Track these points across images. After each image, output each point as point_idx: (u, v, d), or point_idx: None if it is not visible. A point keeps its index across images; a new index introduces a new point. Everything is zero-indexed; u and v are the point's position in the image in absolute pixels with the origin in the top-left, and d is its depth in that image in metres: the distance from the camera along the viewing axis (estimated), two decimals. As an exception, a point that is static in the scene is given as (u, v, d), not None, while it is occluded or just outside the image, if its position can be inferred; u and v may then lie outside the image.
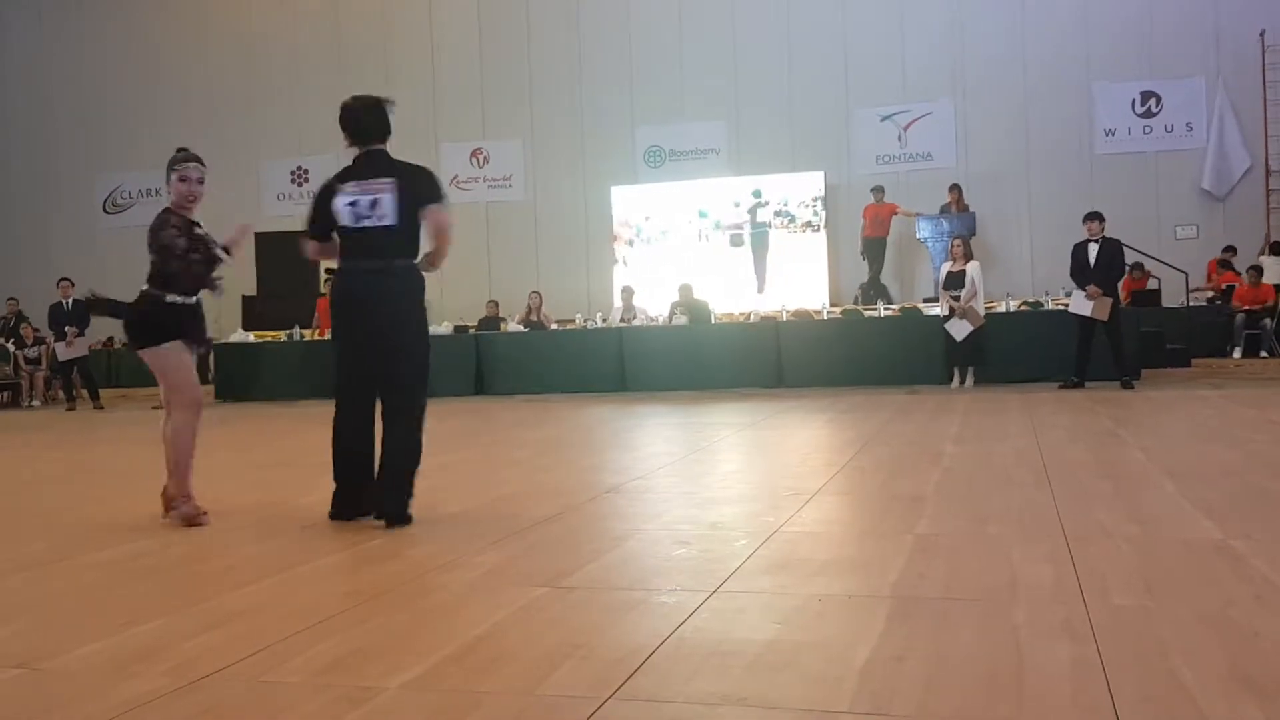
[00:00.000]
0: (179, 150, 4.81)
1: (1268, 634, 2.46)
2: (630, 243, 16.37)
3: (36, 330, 15.30)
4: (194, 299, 4.64)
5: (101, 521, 4.64)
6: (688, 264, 15.49)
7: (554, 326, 13.81)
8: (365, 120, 4.29)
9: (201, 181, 4.68)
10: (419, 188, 4.24)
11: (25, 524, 4.60)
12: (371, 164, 4.25)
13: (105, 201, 19.00)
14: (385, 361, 4.25)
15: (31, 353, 14.89)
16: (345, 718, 2.13)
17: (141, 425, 10.86)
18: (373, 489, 4.30)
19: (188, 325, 4.64)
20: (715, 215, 16.00)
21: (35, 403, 14.62)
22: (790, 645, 2.51)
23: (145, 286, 4.59)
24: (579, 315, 14.23)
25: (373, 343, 4.23)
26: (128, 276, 18.82)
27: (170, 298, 4.54)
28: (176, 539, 4.17)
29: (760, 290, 15.32)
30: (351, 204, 4.15)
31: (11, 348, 14.95)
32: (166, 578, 3.55)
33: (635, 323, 13.40)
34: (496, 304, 15.06)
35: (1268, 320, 13.23)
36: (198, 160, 4.71)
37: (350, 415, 4.34)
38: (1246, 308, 13.27)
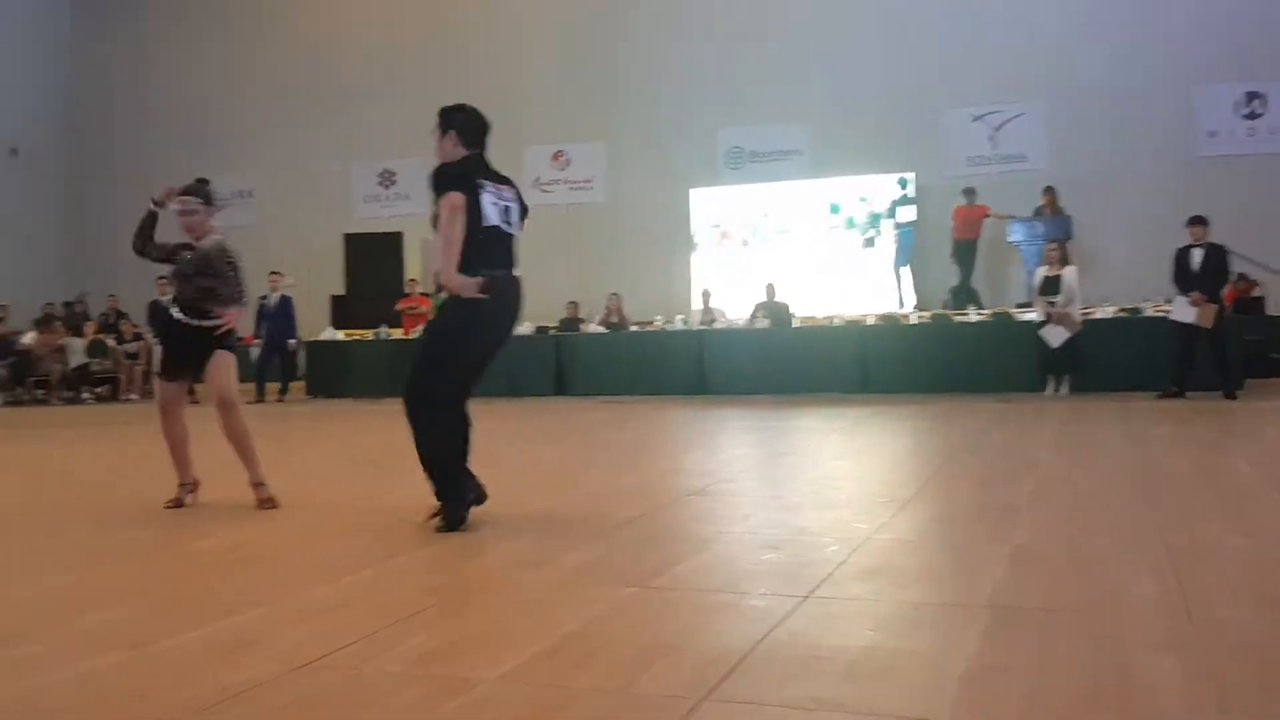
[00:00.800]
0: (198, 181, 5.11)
1: (1394, 656, 2.35)
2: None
3: (136, 326, 15.80)
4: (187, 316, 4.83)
5: (199, 512, 4.76)
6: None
7: (633, 328, 13.84)
8: (487, 125, 4.34)
9: (193, 213, 4.92)
10: (523, 205, 4.36)
11: (128, 512, 4.74)
12: (492, 170, 4.26)
13: (200, 203, 19.61)
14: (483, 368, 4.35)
15: (130, 348, 15.37)
16: (444, 707, 2.15)
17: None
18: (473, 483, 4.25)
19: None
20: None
21: (133, 396, 15.08)
22: (887, 652, 2.47)
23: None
24: (658, 317, 14.23)
25: (498, 350, 4.30)
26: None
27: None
28: (272, 531, 4.27)
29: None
30: (494, 204, 4.12)
31: (112, 343, 15.46)
32: (264, 568, 3.62)
33: (715, 325, 13.35)
34: (576, 305, 15.13)
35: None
36: (190, 193, 4.96)
37: (464, 423, 4.28)
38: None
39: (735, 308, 14.06)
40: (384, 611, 2.90)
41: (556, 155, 17.86)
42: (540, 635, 2.64)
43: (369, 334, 14.49)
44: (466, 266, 4.00)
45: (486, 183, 4.15)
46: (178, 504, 4.79)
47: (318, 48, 19.03)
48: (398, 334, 14.18)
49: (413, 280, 15.27)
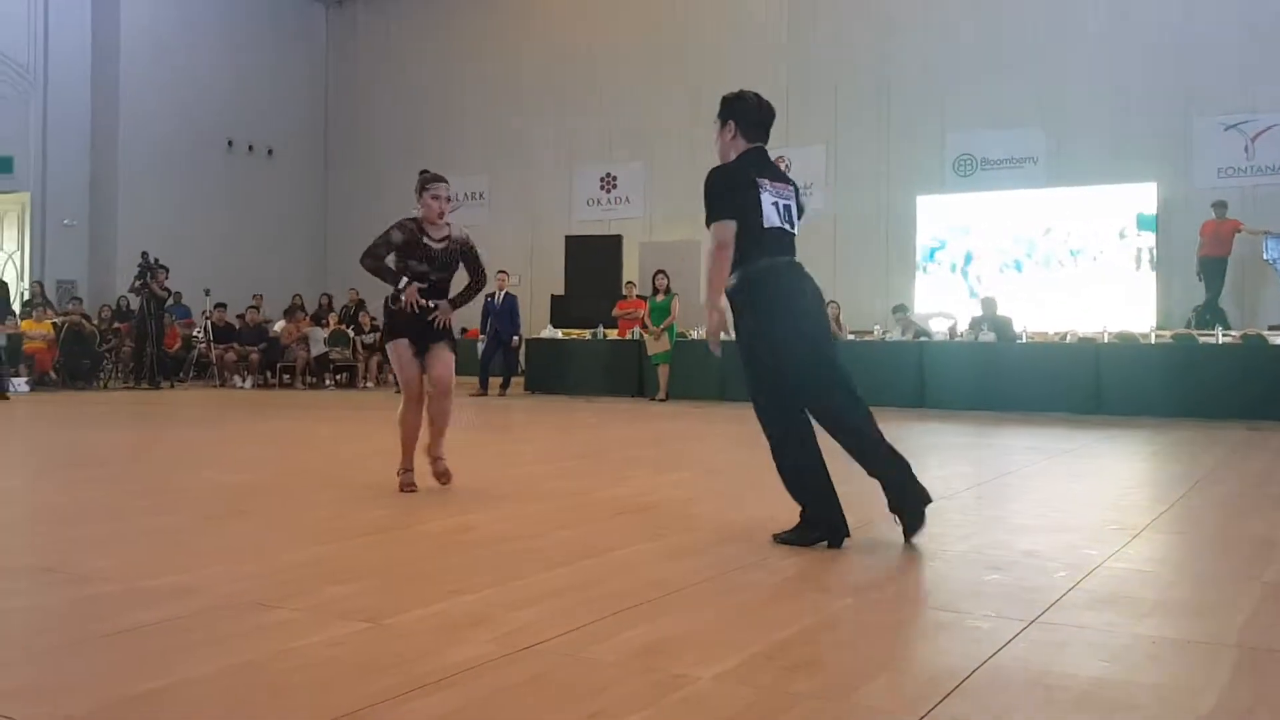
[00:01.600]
0: (425, 172, 5.32)
1: None
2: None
3: (374, 318, 16.83)
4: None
5: (429, 495, 5.03)
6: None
7: (850, 337, 13.63)
8: (770, 113, 4.05)
9: (450, 199, 5.22)
10: (800, 204, 4.09)
11: (366, 493, 5.07)
12: (772, 166, 4.04)
13: (423, 201, 20.73)
14: (831, 369, 3.96)
15: (368, 338, 16.37)
16: (663, 700, 2.20)
17: (460, 410, 11.70)
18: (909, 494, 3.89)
19: (409, 326, 5.12)
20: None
21: (369, 384, 16.06)
22: (1120, 685, 2.35)
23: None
24: (876, 327, 13.96)
25: (822, 350, 3.93)
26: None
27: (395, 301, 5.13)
28: (499, 517, 4.46)
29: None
30: (774, 203, 3.87)
31: (351, 333, 16.53)
32: (489, 551, 3.79)
33: (937, 336, 12.97)
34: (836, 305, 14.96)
35: None
36: (444, 180, 5.24)
37: (811, 430, 3.95)
38: None
39: (958, 320, 13.61)
40: (604, 601, 2.98)
41: (777, 160, 17.79)
42: (758, 638, 2.65)
43: (586, 334, 14.89)
44: (745, 261, 3.82)
45: (766, 181, 3.90)
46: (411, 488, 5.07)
47: (545, 54, 19.72)
48: (613, 335, 14.51)
49: (630, 283, 15.57)
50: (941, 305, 14.38)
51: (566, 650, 2.55)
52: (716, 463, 6.51)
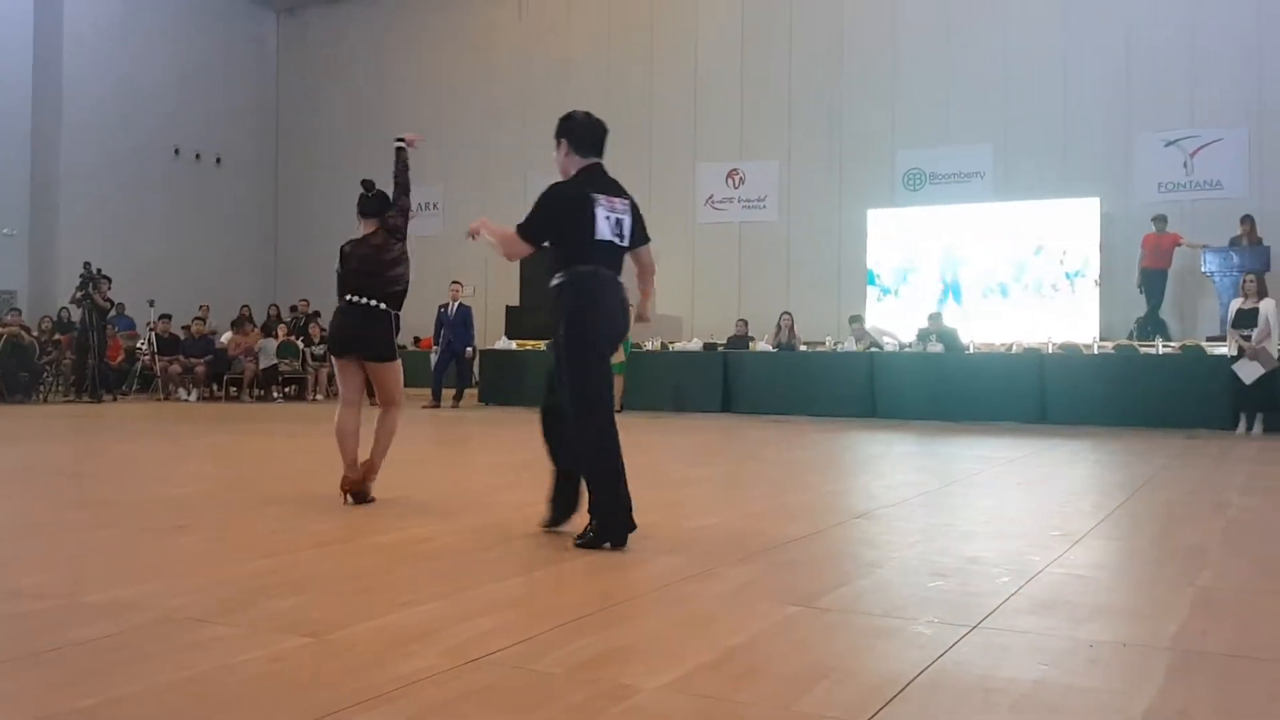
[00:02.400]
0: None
1: None
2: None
3: (324, 329, 16.67)
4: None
5: (378, 508, 4.99)
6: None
7: (803, 348, 13.73)
8: (601, 131, 4.31)
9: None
10: (640, 222, 4.32)
11: (312, 506, 5.02)
12: (609, 181, 4.26)
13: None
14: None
15: (318, 350, 16.21)
16: (608, 712, 2.20)
17: (416, 423, 11.62)
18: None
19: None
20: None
21: (319, 396, 15.90)
22: (1058, 689, 2.39)
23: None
24: (828, 338, 14.09)
25: (605, 361, 4.22)
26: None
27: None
28: (448, 529, 4.43)
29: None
30: (606, 217, 4.12)
31: (301, 345, 16.34)
32: (438, 564, 3.77)
33: (887, 348, 13.12)
34: (746, 323, 15.13)
35: None
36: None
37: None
38: None
39: (904, 332, 13.77)
40: (551, 614, 2.98)
41: (731, 173, 17.91)
42: (703, 648, 2.66)
43: (541, 345, 14.86)
44: (571, 265, 4.14)
45: (601, 197, 4.14)
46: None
47: (501, 64, 19.71)
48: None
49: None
50: (892, 318, 14.52)
51: (515, 662, 2.54)
52: (668, 474, 6.53)
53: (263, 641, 2.70)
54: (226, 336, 16.28)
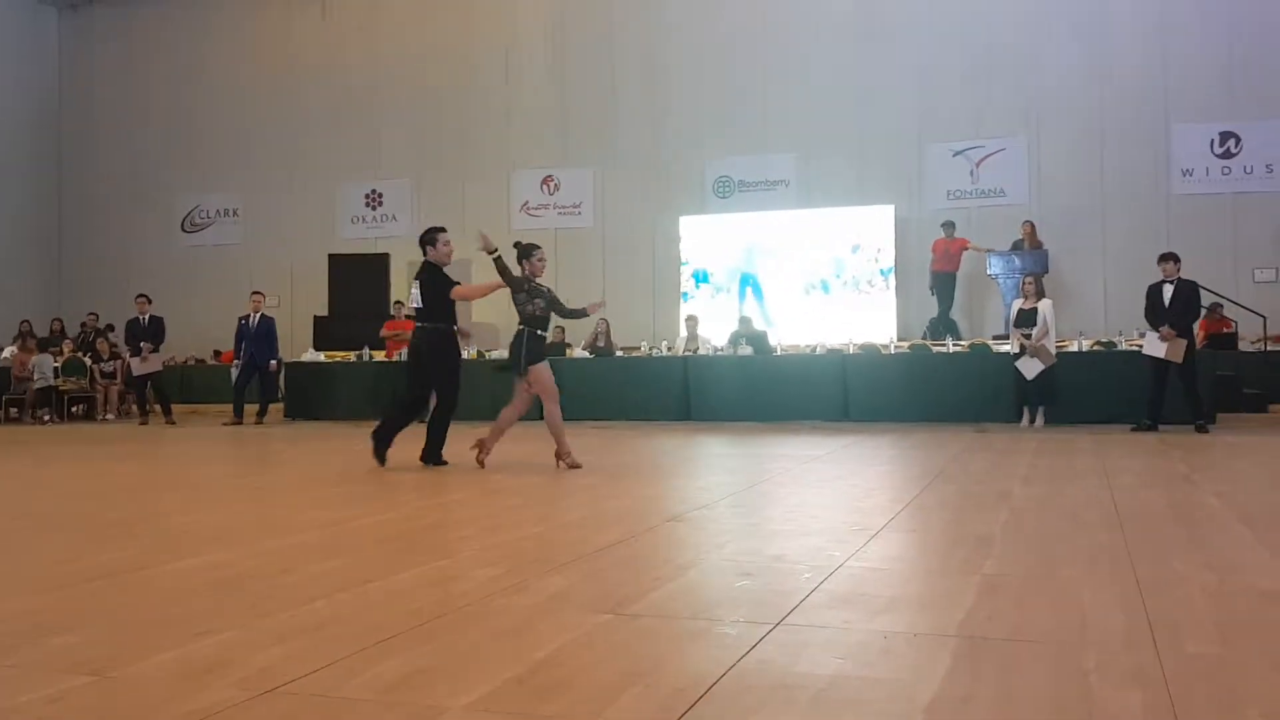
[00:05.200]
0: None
1: (1351, 689, 2.39)
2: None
3: (114, 345, 15.73)
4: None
5: (177, 532, 4.75)
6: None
7: (619, 354, 13.87)
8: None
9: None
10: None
11: (104, 533, 4.73)
12: None
13: (184, 221, 19.55)
14: None
15: (107, 367, 15.30)
16: (412, 735, 2.16)
17: (213, 440, 11.11)
18: None
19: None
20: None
21: (109, 416, 15.01)
22: (855, 681, 2.49)
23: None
24: (644, 343, 14.28)
25: None
26: (200, 294, 19.48)
27: None
28: (250, 553, 4.26)
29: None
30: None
31: (88, 362, 15.38)
32: (236, 590, 3.61)
33: (701, 352, 13.41)
34: (563, 330, 15.16)
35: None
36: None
37: None
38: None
39: (719, 336, 14.12)
40: (357, 636, 2.90)
41: (546, 180, 17.93)
42: (512, 662, 2.65)
43: (351, 356, 14.46)
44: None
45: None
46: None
47: (307, 68, 19.09)
48: (380, 356, 14.15)
49: (398, 303, 15.25)
50: (705, 324, 14.84)
51: (316, 689, 2.46)
52: (488, 484, 6.47)
53: (40, 682, 2.52)
54: (9, 352, 15.15)
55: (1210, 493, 5.76)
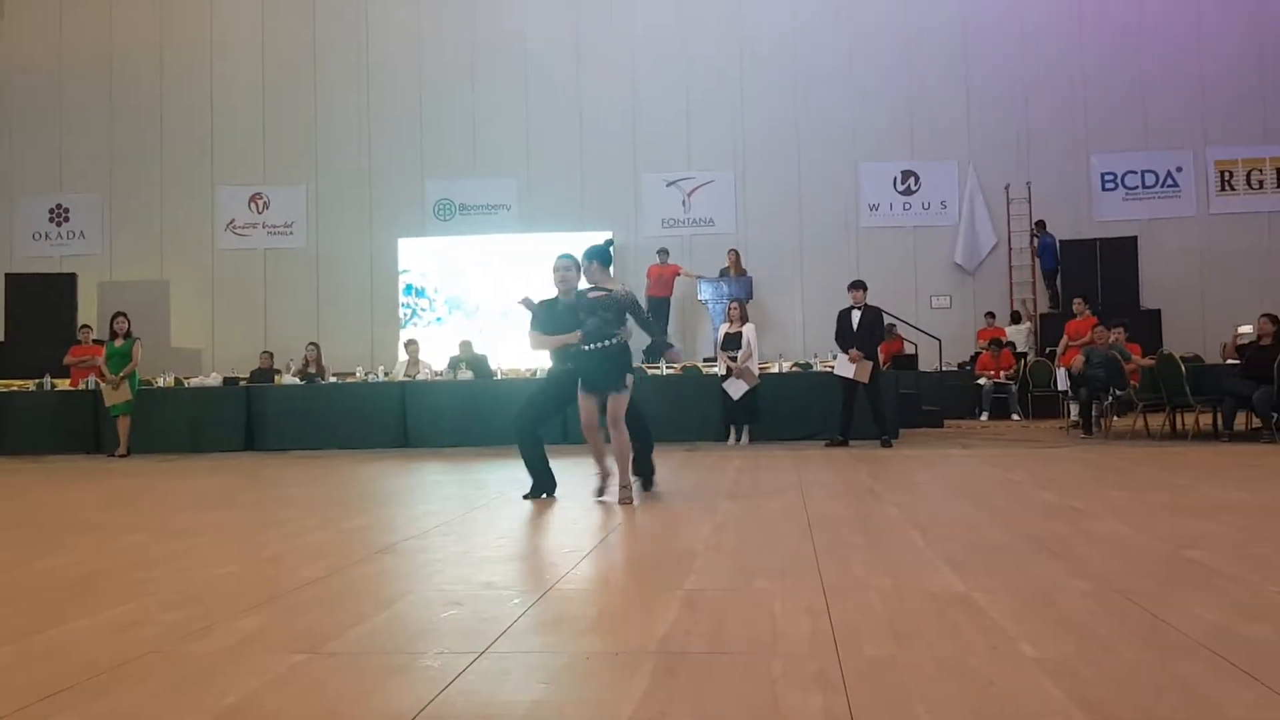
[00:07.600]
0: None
1: (1001, 683, 2.63)
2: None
3: None
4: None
5: None
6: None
7: (333, 379, 13.41)
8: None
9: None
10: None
11: None
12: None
13: None
14: None
15: None
16: (71, 801, 1.97)
17: None
18: None
19: None
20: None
21: None
22: (556, 705, 2.51)
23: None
24: (360, 368, 13.89)
25: None
26: None
27: None
28: (-111, 609, 3.77)
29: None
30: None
31: None
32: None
33: (420, 377, 13.19)
34: (271, 355, 14.51)
35: (1013, 385, 14.37)
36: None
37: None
38: (991, 375, 14.40)
39: (440, 360, 13.96)
40: (19, 693, 2.63)
41: (254, 198, 17.12)
42: (195, 712, 2.49)
43: (31, 384, 13.18)
44: None
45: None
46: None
47: (-24, 69, 17.34)
48: (65, 385, 12.98)
49: (85, 327, 14.05)
50: (426, 348, 14.62)
51: (-37, 758, 2.21)
52: (179, 522, 6.05)
53: None
54: None
55: (891, 503, 6.25)
